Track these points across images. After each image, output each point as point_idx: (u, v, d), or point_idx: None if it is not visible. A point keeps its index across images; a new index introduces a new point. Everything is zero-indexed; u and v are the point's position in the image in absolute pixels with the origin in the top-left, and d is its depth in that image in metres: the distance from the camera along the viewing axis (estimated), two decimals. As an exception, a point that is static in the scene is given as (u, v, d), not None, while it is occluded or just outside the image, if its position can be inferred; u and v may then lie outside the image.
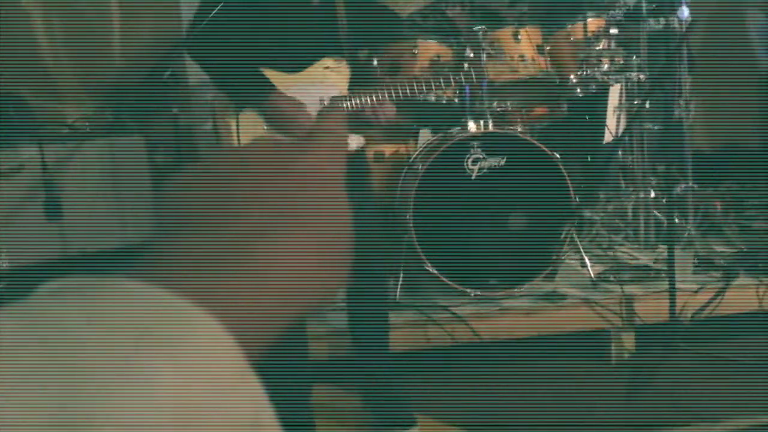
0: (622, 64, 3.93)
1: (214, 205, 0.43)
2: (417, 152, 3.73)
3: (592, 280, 3.61)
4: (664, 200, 4.02)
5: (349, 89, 2.80)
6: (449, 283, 3.43)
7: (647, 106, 3.78)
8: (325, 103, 2.76)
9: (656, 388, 3.00)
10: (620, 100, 4.10)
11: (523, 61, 3.74)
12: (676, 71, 4.05)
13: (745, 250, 3.95)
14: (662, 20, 4.05)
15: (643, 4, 4.07)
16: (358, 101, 2.78)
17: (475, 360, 3.35)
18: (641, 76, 3.96)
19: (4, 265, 4.04)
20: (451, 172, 3.46)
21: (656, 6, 4.11)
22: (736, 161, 5.00)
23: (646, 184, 4.19)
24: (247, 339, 0.36)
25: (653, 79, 3.91)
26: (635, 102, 4.00)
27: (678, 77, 4.08)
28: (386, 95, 2.81)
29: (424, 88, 2.97)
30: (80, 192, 4.26)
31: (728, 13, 5.24)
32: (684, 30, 3.93)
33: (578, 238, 3.73)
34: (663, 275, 3.54)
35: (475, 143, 3.47)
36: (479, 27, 3.60)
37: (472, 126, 3.53)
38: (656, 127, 4.30)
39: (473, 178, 3.47)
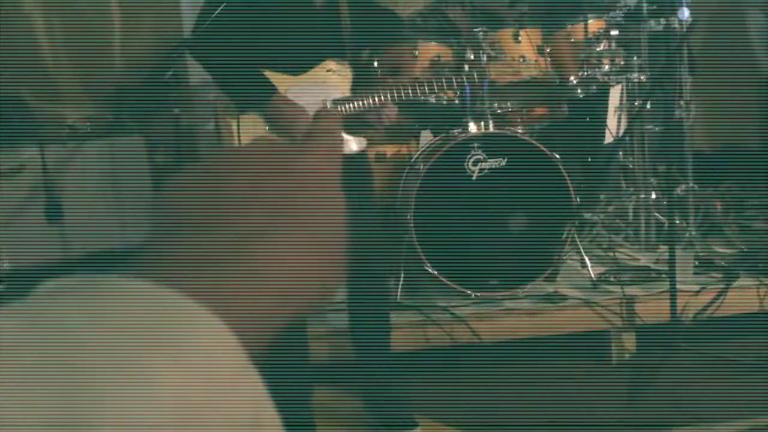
0: (623, 64, 3.93)
1: (211, 205, 0.43)
2: (418, 153, 3.73)
3: (593, 281, 3.61)
4: (664, 201, 4.02)
5: (351, 91, 2.80)
6: (450, 283, 3.43)
7: (648, 106, 3.78)
8: (328, 105, 2.76)
9: (657, 389, 3.00)
10: (621, 100, 4.09)
11: (523, 62, 3.73)
12: (677, 72, 4.05)
13: (745, 250, 3.95)
14: (663, 21, 4.05)
15: (644, 5, 4.07)
16: (360, 103, 2.78)
17: (476, 361, 3.35)
18: (642, 77, 3.96)
19: (5, 266, 4.04)
20: (451, 173, 3.46)
21: (657, 7, 4.11)
22: (736, 162, 5.00)
23: (646, 184, 4.19)
24: (245, 338, 0.36)
25: (654, 80, 3.91)
26: (636, 103, 4.00)
27: (678, 78, 4.08)
28: (388, 97, 2.81)
29: (426, 89, 2.97)
30: (81, 193, 4.26)
31: (728, 13, 5.24)
32: (684, 31, 3.93)
33: (579, 238, 3.73)
34: (664, 276, 3.54)
35: (476, 144, 3.47)
36: (480, 28, 3.60)
37: (472, 127, 3.53)
38: (657, 128, 4.30)
39: (474, 178, 3.47)
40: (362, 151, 2.82)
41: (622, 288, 3.52)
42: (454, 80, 3.11)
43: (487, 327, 3.36)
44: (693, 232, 4.03)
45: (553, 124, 4.10)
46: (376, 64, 3.30)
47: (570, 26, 3.97)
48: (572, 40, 3.95)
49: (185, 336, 0.34)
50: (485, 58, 3.52)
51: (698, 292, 3.48)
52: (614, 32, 3.89)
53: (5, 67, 4.49)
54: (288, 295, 0.43)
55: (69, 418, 0.30)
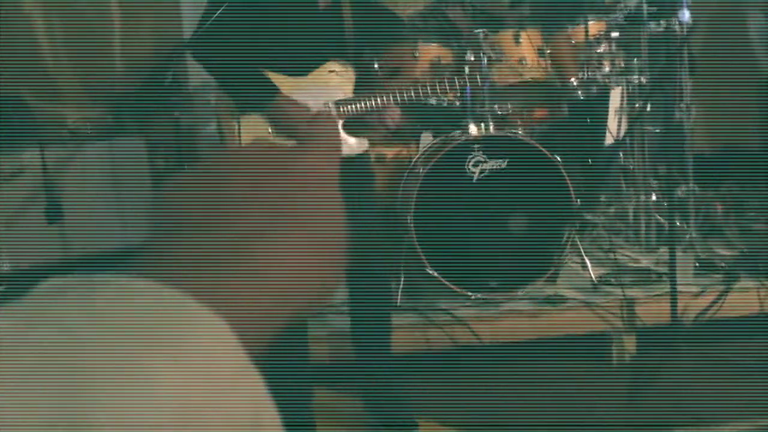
0: (623, 66, 3.93)
1: (210, 206, 0.44)
2: (418, 155, 3.73)
3: (593, 283, 3.61)
4: (665, 203, 4.02)
5: (354, 92, 2.81)
6: (450, 285, 3.43)
7: (648, 108, 3.78)
8: (330, 106, 2.76)
9: (657, 391, 3.00)
10: (621, 102, 4.09)
11: (524, 64, 3.73)
12: (677, 74, 4.05)
13: (746, 252, 3.95)
14: (663, 23, 4.05)
15: (644, 7, 4.07)
16: (363, 105, 2.78)
17: (476, 363, 3.35)
18: (642, 79, 3.96)
19: (5, 267, 4.04)
20: (452, 175, 3.46)
21: (657, 9, 4.11)
22: (736, 163, 5.00)
23: (647, 186, 4.19)
24: (245, 338, 0.36)
25: (654, 82, 3.91)
26: (636, 104, 4.00)
27: (679, 80, 4.08)
28: (391, 98, 2.82)
29: (429, 91, 2.97)
30: (81, 194, 4.26)
31: (729, 15, 5.24)
32: (685, 33, 3.93)
33: (579, 240, 3.73)
34: (664, 278, 3.54)
35: (476, 146, 3.47)
36: (480, 30, 3.60)
37: (473, 129, 3.53)
38: (657, 130, 4.30)
39: (474, 180, 3.47)
40: (364, 152, 2.82)
41: (622, 290, 3.52)
42: (457, 82, 3.11)
43: (487, 328, 3.36)
44: (693, 234, 4.03)
45: (554, 125, 4.10)
46: (376, 65, 3.30)
47: (570, 28, 3.97)
48: (573, 41, 3.95)
49: (185, 335, 0.34)
50: (485, 60, 3.52)
51: (699, 293, 3.48)
52: (615, 34, 3.89)
53: (6, 69, 4.49)
54: (287, 295, 0.43)
55: (69, 417, 0.30)
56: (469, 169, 3.47)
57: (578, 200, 3.51)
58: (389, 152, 3.93)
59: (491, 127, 3.53)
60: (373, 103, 2.79)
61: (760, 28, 5.15)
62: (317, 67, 2.76)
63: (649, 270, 3.82)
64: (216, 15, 2.62)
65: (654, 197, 4.16)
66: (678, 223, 3.85)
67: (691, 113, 4.15)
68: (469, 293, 3.45)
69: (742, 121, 5.16)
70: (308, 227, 0.45)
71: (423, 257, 3.41)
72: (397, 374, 2.92)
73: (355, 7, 2.76)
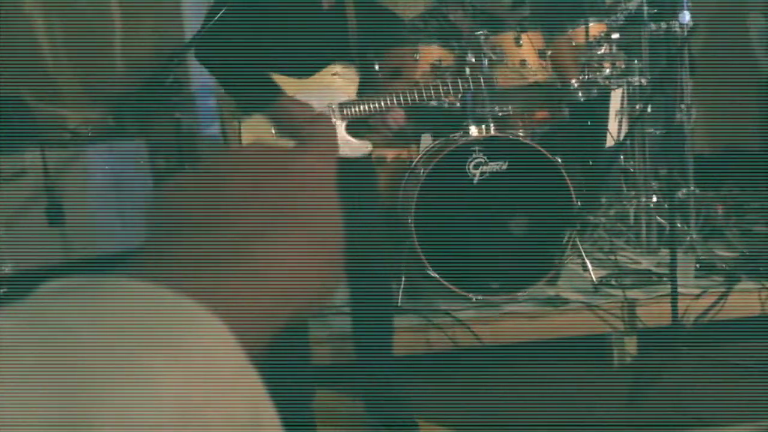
0: (624, 68, 3.93)
1: (208, 207, 0.44)
2: (419, 156, 3.73)
3: (594, 285, 3.61)
4: (665, 204, 4.02)
5: (357, 95, 2.81)
6: (451, 287, 3.43)
7: (649, 110, 3.78)
8: (334, 108, 2.77)
9: (658, 393, 3.00)
10: (622, 104, 4.10)
11: (524, 65, 3.73)
12: (678, 75, 4.06)
13: (746, 253, 3.94)
14: (663, 24, 4.05)
15: (645, 8, 4.07)
16: (366, 107, 2.78)
17: (477, 364, 3.35)
18: (643, 80, 3.96)
19: (7, 269, 4.04)
20: (452, 177, 3.46)
21: (657, 10, 4.11)
22: (737, 164, 5.00)
23: (647, 188, 4.19)
24: (244, 338, 0.36)
25: (654, 83, 3.92)
26: (637, 106, 4.00)
27: (679, 81, 4.09)
28: (394, 100, 2.82)
29: (432, 94, 2.97)
30: (82, 196, 4.27)
31: (729, 16, 5.25)
32: (685, 34, 3.93)
33: (580, 242, 3.73)
34: (665, 279, 3.54)
35: (477, 147, 3.47)
36: (481, 31, 3.60)
37: (473, 130, 3.53)
38: (658, 131, 4.30)
39: (475, 182, 3.47)
40: (367, 154, 2.83)
41: (623, 291, 3.52)
42: (460, 84, 3.11)
43: (488, 330, 3.36)
44: (694, 236, 4.03)
45: (554, 127, 4.10)
46: (377, 67, 3.30)
47: (571, 30, 3.97)
48: (573, 43, 3.95)
49: (184, 336, 0.34)
50: (486, 62, 3.52)
51: (699, 295, 3.48)
52: (615, 36, 3.89)
53: (7, 70, 4.50)
54: (286, 296, 0.43)
55: (69, 418, 0.30)
56: (469, 170, 3.47)
57: (579, 202, 3.51)
58: (390, 154, 3.93)
59: (492, 129, 3.53)
60: (377, 105, 2.80)
61: (761, 30, 5.15)
62: (320, 69, 2.76)
63: (649, 271, 3.82)
64: (218, 16, 2.62)
65: (655, 199, 4.16)
66: (679, 225, 3.85)
67: (692, 114, 4.15)
68: (470, 295, 3.45)
69: (742, 123, 5.16)
70: (306, 228, 0.45)
71: (424, 259, 3.41)
72: (397, 375, 2.92)
73: (359, 9, 2.76)
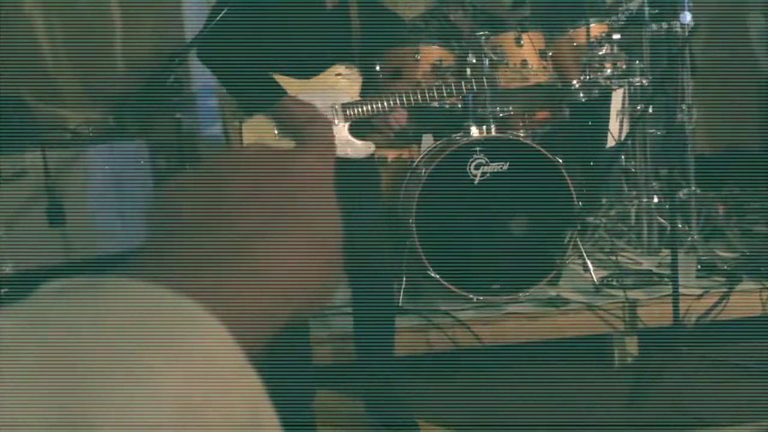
0: (625, 68, 3.93)
1: (206, 209, 0.44)
2: (420, 157, 3.73)
3: (595, 285, 3.61)
4: (666, 204, 4.02)
5: (360, 95, 2.80)
6: (452, 287, 3.43)
7: (650, 110, 3.78)
8: (337, 109, 2.77)
9: (659, 393, 3.00)
10: (623, 104, 4.09)
11: (525, 66, 3.73)
12: (679, 75, 4.05)
13: (748, 254, 3.94)
14: (664, 24, 4.05)
15: (646, 9, 4.07)
16: (369, 107, 2.78)
17: (478, 365, 3.34)
18: (644, 81, 3.96)
19: (7, 269, 4.04)
20: (453, 177, 3.46)
21: (658, 10, 4.11)
22: (738, 165, 5.00)
23: (648, 188, 4.19)
24: (243, 338, 0.36)
25: (656, 84, 3.91)
26: (638, 106, 4.00)
27: (680, 81, 4.08)
28: (397, 101, 2.81)
29: (435, 94, 2.97)
30: (83, 196, 4.27)
31: (730, 17, 5.24)
32: (686, 34, 3.93)
33: (581, 242, 3.73)
34: (666, 280, 3.54)
35: (478, 148, 3.47)
36: (482, 32, 3.60)
37: (474, 131, 3.53)
38: (659, 132, 4.30)
39: (476, 182, 3.47)
40: (370, 155, 2.82)
41: (624, 292, 3.52)
42: (463, 85, 3.11)
43: (488, 331, 3.36)
44: (695, 236, 4.02)
45: (555, 127, 4.10)
46: (377, 67, 3.30)
47: (572, 30, 3.97)
48: (574, 43, 3.95)
49: (183, 336, 0.34)
50: (487, 62, 3.52)
51: (701, 295, 3.48)
52: (616, 36, 3.89)
53: (7, 69, 4.50)
54: (285, 296, 0.43)
55: (69, 418, 0.30)
56: (470, 171, 3.47)
57: (580, 202, 3.51)
58: (391, 154, 3.93)
59: (493, 130, 3.53)
60: (379, 105, 2.80)
61: (761, 30, 5.15)
62: (323, 70, 2.76)
63: (650, 272, 3.82)
64: (220, 15, 2.62)
65: (656, 199, 4.16)
66: (680, 225, 3.85)
67: (693, 115, 4.14)
68: (471, 295, 3.45)
69: (743, 123, 5.16)
70: (304, 229, 0.45)
71: (424, 259, 3.41)
72: (398, 376, 2.91)
73: (362, 10, 2.76)
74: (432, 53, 3.71)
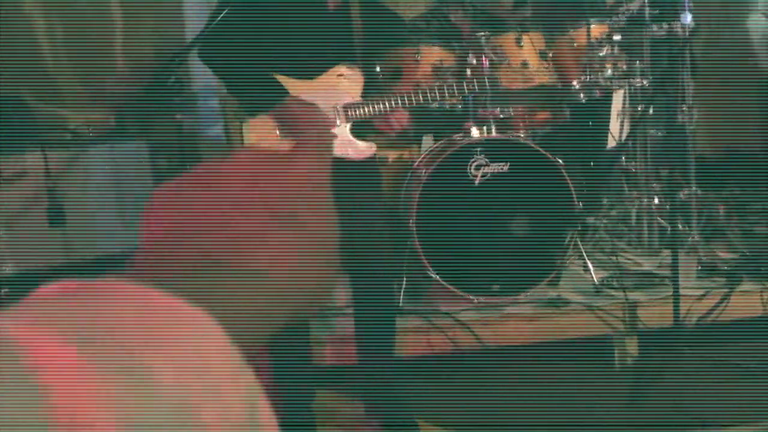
0: (625, 69, 3.92)
1: (200, 212, 0.44)
2: (420, 158, 3.73)
3: (596, 286, 3.61)
4: (667, 205, 4.02)
5: (362, 96, 2.80)
6: (452, 288, 3.43)
7: (650, 111, 3.78)
8: (339, 110, 2.77)
9: (660, 394, 3.00)
10: (623, 105, 4.09)
11: (526, 66, 3.73)
12: (679, 76, 4.05)
13: (748, 254, 3.94)
14: (665, 25, 4.05)
15: (646, 10, 4.07)
16: (371, 108, 2.78)
17: (478, 366, 3.34)
18: (644, 82, 3.96)
19: (8, 269, 4.04)
20: (454, 178, 3.46)
21: (659, 11, 4.11)
22: (739, 165, 5.00)
23: (649, 189, 4.19)
24: (241, 339, 0.36)
25: (656, 85, 3.91)
26: (638, 107, 4.00)
27: (681, 82, 4.08)
28: (399, 102, 2.81)
29: (437, 95, 2.97)
30: (83, 197, 4.27)
31: (730, 17, 5.24)
32: (687, 35, 3.93)
33: (581, 243, 3.72)
34: (666, 281, 3.54)
35: (478, 149, 3.47)
36: (482, 33, 3.60)
37: (475, 132, 3.53)
38: (659, 133, 4.30)
39: (476, 183, 3.47)
40: (372, 156, 2.82)
41: (624, 293, 3.51)
42: (465, 86, 3.11)
43: (489, 332, 3.36)
44: (696, 237, 4.02)
45: (556, 128, 4.10)
46: (378, 68, 3.31)
47: (573, 31, 3.97)
48: (575, 44, 3.95)
49: (179, 337, 0.34)
50: (487, 63, 3.52)
51: (701, 296, 3.48)
52: (617, 37, 3.89)
53: (7, 70, 4.50)
54: (281, 297, 0.43)
55: (66, 418, 0.30)
56: (471, 172, 3.47)
57: (580, 203, 3.51)
58: (391, 155, 3.93)
59: (493, 130, 3.53)
60: (381, 106, 2.80)
61: (762, 31, 5.15)
62: (325, 71, 2.76)
63: (651, 273, 3.82)
64: (222, 15, 2.61)
65: (656, 200, 4.16)
66: (680, 226, 3.84)
67: (693, 116, 4.14)
68: (471, 296, 3.45)
69: (744, 124, 5.16)
70: (300, 230, 0.45)
71: (425, 260, 3.41)
72: (398, 376, 2.91)
73: (364, 10, 2.76)
74: (432, 54, 3.71)
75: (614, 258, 3.97)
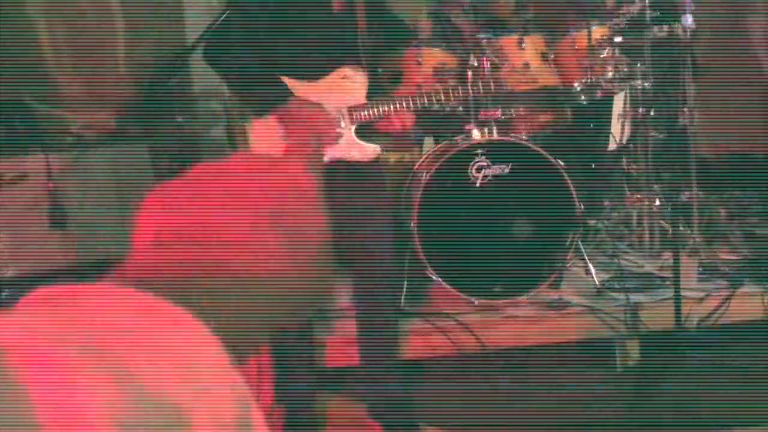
0: (627, 71, 3.92)
1: (192, 214, 0.44)
2: (421, 160, 3.73)
3: (597, 288, 3.60)
4: (668, 208, 4.01)
5: (366, 98, 2.80)
6: (453, 290, 3.43)
7: (651, 113, 3.78)
8: (344, 112, 2.77)
9: (662, 396, 2.99)
10: (624, 107, 4.09)
11: (527, 68, 3.73)
12: (680, 78, 4.05)
13: (750, 256, 3.94)
14: (666, 28, 4.05)
15: (647, 12, 4.07)
16: (375, 110, 2.78)
17: (479, 367, 3.34)
18: (645, 84, 3.96)
19: (9, 272, 4.05)
20: (455, 180, 3.46)
21: (660, 13, 4.11)
22: (740, 168, 4.99)
23: (650, 191, 4.19)
24: (236, 342, 0.36)
25: (657, 87, 3.91)
26: (639, 109, 4.00)
27: (682, 84, 4.08)
28: (403, 105, 2.82)
29: (442, 97, 2.97)
30: (85, 199, 4.27)
31: (732, 19, 5.24)
32: (688, 37, 3.93)
33: (583, 245, 3.72)
34: (668, 283, 3.53)
35: (480, 151, 3.47)
36: (484, 35, 3.60)
37: (476, 133, 3.53)
38: (660, 134, 4.30)
39: (477, 185, 3.47)
40: (376, 158, 2.83)
41: (626, 294, 3.51)
42: (469, 88, 3.11)
43: (490, 334, 3.36)
44: (697, 239, 4.02)
45: (557, 130, 4.10)
46: (380, 70, 3.31)
47: (574, 33, 3.97)
48: (576, 46, 3.95)
49: (168, 340, 0.35)
50: (489, 65, 3.52)
51: (703, 298, 3.47)
52: (618, 39, 3.89)
53: (9, 72, 4.50)
54: (271, 298, 0.43)
55: (57, 418, 0.30)
56: (472, 174, 3.47)
57: (581, 205, 3.51)
58: (393, 156, 3.94)
59: (494, 132, 3.53)
60: (386, 108, 2.80)
61: (763, 32, 5.15)
62: (330, 72, 2.76)
63: (652, 275, 3.81)
64: (225, 16, 2.62)
65: (657, 202, 4.16)
66: (681, 228, 3.84)
67: (695, 118, 4.14)
68: (473, 298, 3.45)
69: (745, 126, 5.15)
70: (288, 232, 0.45)
71: (426, 262, 3.41)
72: (400, 378, 2.91)
73: (369, 12, 2.76)
74: (434, 56, 3.71)
75: (615, 260, 3.97)
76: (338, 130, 2.74)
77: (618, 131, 4.11)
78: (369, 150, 2.79)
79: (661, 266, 3.92)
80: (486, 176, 3.47)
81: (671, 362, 3.13)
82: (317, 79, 2.75)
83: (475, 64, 3.53)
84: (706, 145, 5.14)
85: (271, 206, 0.46)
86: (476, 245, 3.48)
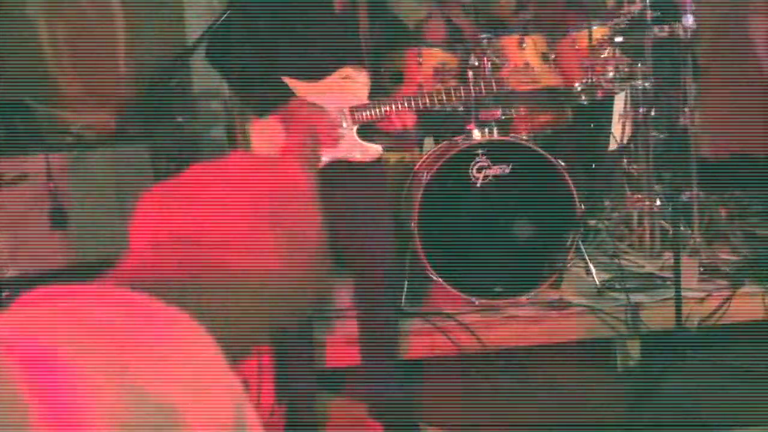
0: (627, 71, 3.92)
1: (189, 215, 0.44)
2: (422, 160, 3.73)
3: (598, 288, 3.60)
4: (669, 208, 4.01)
5: (368, 98, 2.80)
6: (454, 291, 3.43)
7: (652, 113, 3.78)
8: (346, 112, 2.77)
9: (662, 396, 2.99)
10: (625, 107, 4.09)
11: (528, 69, 3.73)
12: (681, 78, 4.05)
13: (750, 257, 3.94)
14: (667, 28, 4.04)
15: (648, 12, 4.07)
16: (377, 111, 2.78)
17: (480, 368, 3.34)
18: (646, 84, 3.96)
19: (10, 272, 4.05)
20: (455, 180, 3.46)
21: (661, 13, 4.11)
22: (741, 168, 4.99)
23: (651, 191, 4.19)
24: (233, 343, 0.36)
25: (658, 87, 3.91)
26: (640, 109, 3.99)
27: (683, 84, 4.08)
28: (405, 105, 2.81)
29: (444, 97, 2.97)
30: (85, 200, 4.27)
31: (733, 19, 5.24)
32: (689, 37, 3.93)
33: (583, 245, 3.72)
34: (668, 283, 3.53)
35: (480, 151, 3.47)
36: (484, 35, 3.60)
37: (477, 134, 3.53)
38: (661, 134, 4.30)
39: (478, 185, 3.47)
40: (378, 158, 2.82)
41: (626, 295, 3.51)
42: (472, 89, 3.11)
43: (491, 334, 3.36)
44: (698, 239, 4.02)
45: (558, 130, 4.10)
46: (381, 70, 3.31)
47: (574, 33, 3.97)
48: (577, 46, 3.95)
49: (164, 340, 0.35)
50: (489, 65, 3.52)
51: (703, 299, 3.47)
52: (618, 39, 3.89)
53: (9, 73, 4.50)
54: (267, 299, 0.43)
55: (53, 419, 0.30)
56: (472, 174, 3.47)
57: (582, 205, 3.51)
58: (393, 157, 3.93)
59: (495, 132, 3.53)
60: (388, 108, 2.80)
61: (764, 32, 5.15)
62: (332, 72, 2.76)
63: (653, 275, 3.81)
64: (226, 16, 2.62)
65: (658, 202, 4.15)
66: (682, 228, 3.84)
67: (695, 118, 4.14)
68: (473, 298, 3.45)
69: (746, 126, 5.15)
70: (283, 232, 0.45)
71: (427, 262, 3.41)
72: (400, 378, 2.91)
73: (371, 13, 2.76)
74: (435, 56, 3.71)
75: (616, 260, 3.97)
76: (340, 130, 2.74)
77: (619, 131, 4.11)
78: (371, 150, 2.79)
79: (662, 266, 3.92)
80: (487, 176, 3.47)
81: (672, 362, 3.12)
82: (319, 79, 2.75)
83: (476, 64, 3.53)
84: (706, 146, 5.14)
85: (268, 206, 0.46)
86: (477, 245, 3.48)
